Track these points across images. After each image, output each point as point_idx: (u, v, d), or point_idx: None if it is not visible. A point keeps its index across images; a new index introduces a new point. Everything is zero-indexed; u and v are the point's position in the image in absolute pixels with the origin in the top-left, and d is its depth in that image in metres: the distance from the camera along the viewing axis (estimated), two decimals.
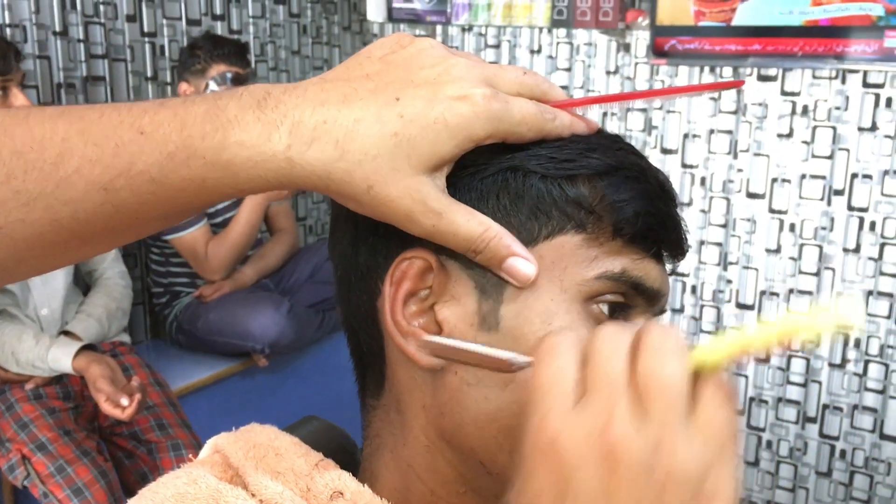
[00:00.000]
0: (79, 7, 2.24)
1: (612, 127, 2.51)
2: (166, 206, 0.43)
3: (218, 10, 2.61)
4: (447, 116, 0.42)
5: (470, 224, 0.44)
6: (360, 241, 0.51)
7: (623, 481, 0.34)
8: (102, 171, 0.41)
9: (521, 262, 0.45)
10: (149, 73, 2.45)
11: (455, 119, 0.42)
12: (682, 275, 2.51)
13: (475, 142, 0.43)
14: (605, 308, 0.47)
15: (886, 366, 2.27)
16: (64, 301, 2.03)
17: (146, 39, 2.42)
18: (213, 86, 2.20)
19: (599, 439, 0.35)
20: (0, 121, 0.42)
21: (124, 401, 1.79)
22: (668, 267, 0.51)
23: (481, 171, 0.47)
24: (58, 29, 2.19)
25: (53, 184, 0.41)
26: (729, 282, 2.44)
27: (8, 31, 2.09)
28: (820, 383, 2.37)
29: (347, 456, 0.58)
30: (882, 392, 2.29)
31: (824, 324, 0.36)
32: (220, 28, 2.60)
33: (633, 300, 0.49)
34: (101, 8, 2.29)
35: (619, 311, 0.48)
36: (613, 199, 0.47)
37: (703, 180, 2.42)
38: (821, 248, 2.30)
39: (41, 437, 1.81)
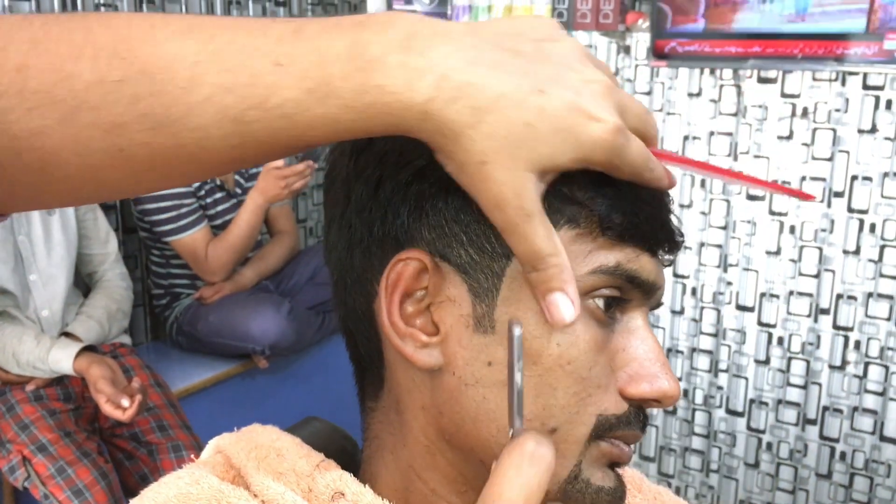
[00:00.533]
0: (80, 7, 2.24)
1: None
2: (293, 142, 0.41)
3: (219, 12, 2.61)
4: (579, 130, 0.41)
5: (545, 241, 0.43)
6: (355, 243, 0.51)
7: None
8: (235, 101, 0.39)
9: (566, 303, 0.44)
10: None
11: (584, 136, 0.41)
12: (683, 277, 2.51)
13: (588, 164, 0.42)
14: (600, 303, 0.48)
15: (886, 368, 2.27)
16: (64, 303, 2.04)
17: None
18: None
19: None
20: (125, 32, 0.38)
21: (125, 402, 1.79)
22: (668, 258, 0.51)
23: None
24: None
25: (182, 109, 0.38)
26: (729, 284, 2.44)
27: None
28: (820, 385, 2.37)
29: (349, 457, 0.58)
30: (882, 394, 2.29)
31: None
32: None
33: (628, 293, 0.49)
34: (103, 9, 2.30)
35: (615, 305, 0.49)
36: (602, 198, 0.47)
37: (703, 182, 2.42)
38: (821, 250, 2.30)
39: (42, 439, 1.81)
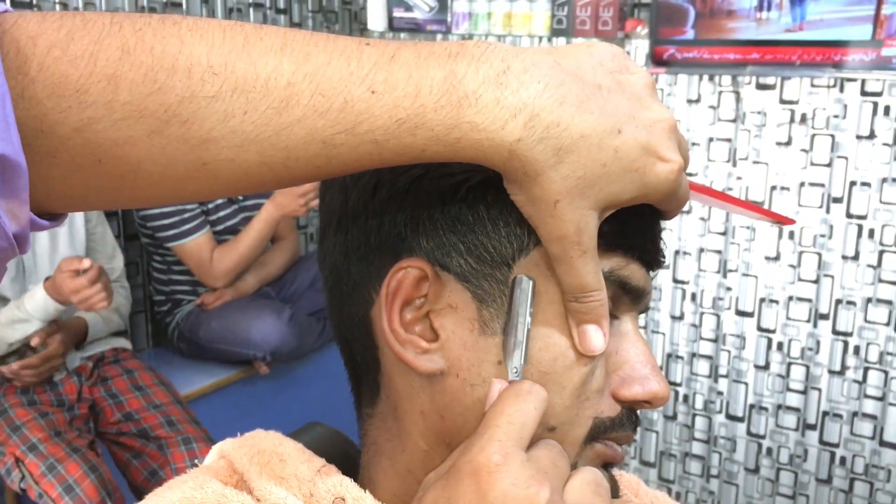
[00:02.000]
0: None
1: None
2: (379, 164, 0.41)
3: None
4: (647, 171, 0.42)
5: (593, 277, 0.45)
6: (352, 251, 0.51)
7: None
8: (326, 125, 0.39)
9: (599, 335, 0.47)
10: None
11: (650, 176, 0.43)
12: (682, 282, 2.52)
13: (648, 200, 0.44)
14: None
15: (886, 373, 2.28)
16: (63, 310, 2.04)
17: None
18: None
19: (524, 493, 0.41)
20: (219, 46, 0.38)
21: (86, 262, 1.79)
22: (652, 274, 0.53)
23: (468, 179, 0.48)
24: None
25: (273, 129, 0.38)
26: (729, 289, 2.45)
27: None
28: (820, 390, 2.38)
29: (351, 462, 0.59)
30: (882, 399, 2.30)
31: None
32: None
33: (619, 299, 0.50)
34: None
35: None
36: None
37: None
38: (820, 255, 2.30)
39: (32, 438, 1.82)
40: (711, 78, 2.35)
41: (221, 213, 2.42)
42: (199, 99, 0.37)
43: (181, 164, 0.38)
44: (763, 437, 2.49)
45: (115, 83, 0.36)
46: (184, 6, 2.52)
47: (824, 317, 2.33)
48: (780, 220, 0.58)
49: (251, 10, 2.72)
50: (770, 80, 2.28)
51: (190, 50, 0.37)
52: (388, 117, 0.39)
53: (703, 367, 2.54)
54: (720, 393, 2.52)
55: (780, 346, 2.41)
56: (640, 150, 0.42)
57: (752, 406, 2.49)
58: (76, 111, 0.36)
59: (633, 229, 0.49)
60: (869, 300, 2.26)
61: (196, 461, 0.52)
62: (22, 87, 0.35)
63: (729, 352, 2.48)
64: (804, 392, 2.40)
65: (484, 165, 0.42)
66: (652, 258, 0.51)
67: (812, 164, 2.27)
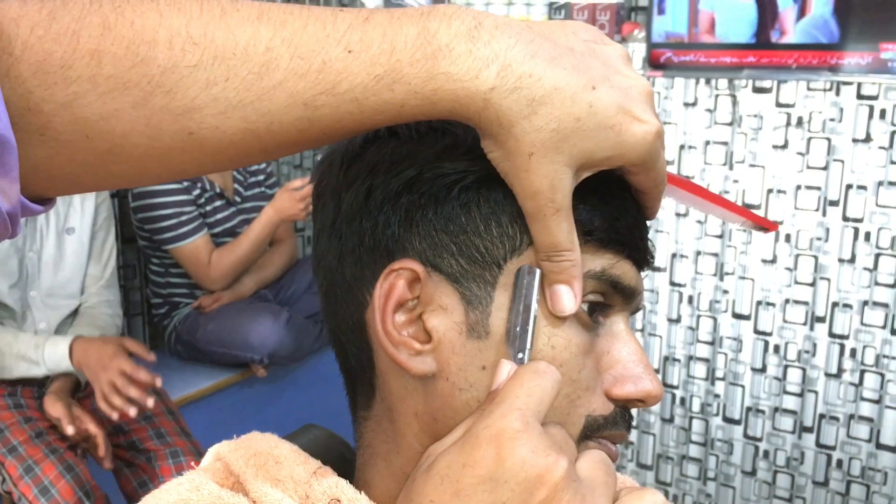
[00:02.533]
0: None
1: None
2: (357, 126, 0.42)
3: None
4: (623, 129, 0.43)
5: (566, 236, 0.45)
6: (346, 253, 0.52)
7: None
8: (306, 87, 0.40)
9: (570, 296, 0.47)
10: None
11: (627, 135, 0.43)
12: (679, 285, 2.52)
13: (624, 163, 0.44)
14: (584, 307, 0.49)
15: (882, 375, 2.28)
16: (62, 318, 2.03)
17: None
18: None
19: (545, 471, 0.41)
20: (197, 17, 0.39)
21: (131, 411, 1.78)
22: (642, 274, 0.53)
23: (461, 179, 0.48)
24: None
25: (255, 94, 0.39)
26: (725, 292, 2.45)
27: None
28: (816, 393, 2.38)
29: (347, 464, 0.59)
30: (878, 402, 2.30)
31: None
32: None
33: (611, 299, 0.50)
34: None
35: (598, 310, 0.50)
36: (585, 206, 0.48)
37: None
38: (816, 258, 2.31)
39: (13, 441, 1.80)
40: (708, 81, 2.36)
41: (219, 216, 2.42)
42: (181, 69, 0.38)
43: (167, 134, 0.39)
44: (760, 439, 2.49)
45: (99, 58, 0.37)
46: None
47: (821, 320, 2.33)
48: (765, 226, 0.58)
49: None
50: (766, 84, 2.28)
51: (169, 22, 0.38)
52: (367, 74, 0.40)
53: (700, 369, 2.54)
54: (717, 396, 2.53)
55: (776, 348, 2.41)
56: (616, 108, 0.42)
57: (748, 409, 2.49)
58: (61, 87, 0.37)
59: (623, 226, 0.50)
60: (865, 303, 2.27)
61: (183, 474, 0.52)
62: (7, 66, 0.36)
63: (726, 354, 2.49)
64: (801, 395, 2.40)
65: (460, 120, 0.42)
66: (642, 256, 0.52)
67: (808, 167, 2.27)
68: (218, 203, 2.42)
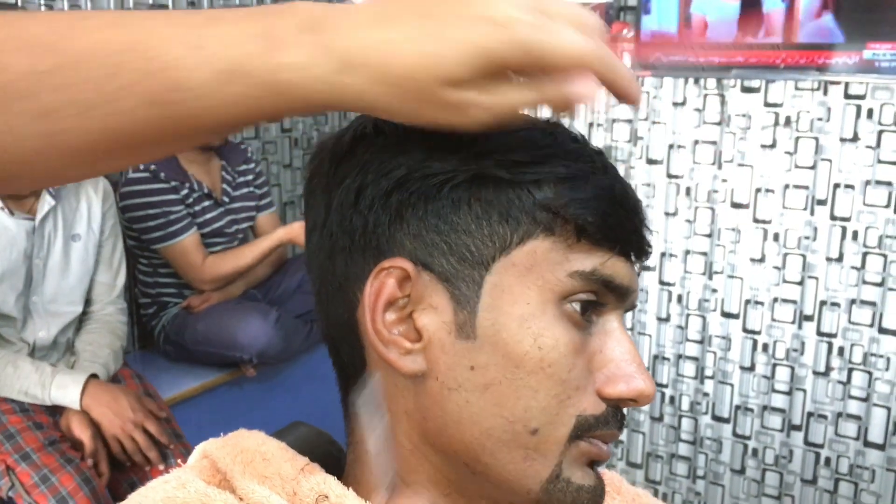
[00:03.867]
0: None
1: (598, 138, 2.53)
2: (215, 120, 0.43)
3: None
4: (475, 37, 0.41)
5: (515, 96, 0.43)
6: (337, 252, 0.52)
7: None
8: (155, 85, 0.41)
9: (580, 84, 0.44)
10: None
11: (484, 39, 0.41)
12: (669, 284, 2.53)
13: (506, 66, 0.42)
14: (577, 307, 0.49)
15: (870, 374, 2.29)
16: (63, 325, 2.02)
17: None
18: None
19: None
20: (54, 25, 0.41)
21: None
22: (638, 265, 0.53)
23: (451, 179, 0.48)
24: None
25: (108, 95, 0.41)
26: (714, 291, 2.46)
27: None
28: (805, 391, 2.39)
29: (334, 461, 0.59)
30: (866, 400, 2.31)
31: None
32: None
33: (604, 297, 0.50)
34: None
35: (590, 309, 0.50)
36: (576, 203, 0.48)
37: (688, 190, 2.44)
38: (804, 257, 2.32)
39: (26, 448, 1.80)
40: (697, 81, 2.37)
41: (207, 216, 2.41)
42: (36, 73, 0.40)
43: (29, 137, 0.41)
44: (749, 438, 2.50)
45: None
46: (170, 6, 2.51)
47: (809, 318, 2.34)
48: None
49: (235, 1, 2.72)
50: (755, 84, 2.29)
51: (29, 32, 0.41)
52: (211, 70, 0.41)
53: (689, 368, 2.55)
54: (706, 394, 2.54)
55: (765, 347, 2.42)
56: (460, 23, 0.41)
57: (737, 407, 2.50)
58: None
59: (615, 222, 0.49)
60: (853, 301, 2.28)
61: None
62: None
63: (715, 353, 2.50)
64: (789, 393, 2.41)
65: (319, 108, 0.43)
66: (636, 249, 0.51)
67: (796, 166, 2.28)
68: (206, 203, 2.41)
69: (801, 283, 2.33)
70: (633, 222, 0.51)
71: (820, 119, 2.23)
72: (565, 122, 0.53)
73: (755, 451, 2.49)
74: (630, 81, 0.45)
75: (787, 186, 2.30)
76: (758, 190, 2.34)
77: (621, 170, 2.42)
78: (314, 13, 0.43)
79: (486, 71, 0.42)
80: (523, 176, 0.48)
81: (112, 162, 0.45)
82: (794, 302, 2.35)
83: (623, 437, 2.69)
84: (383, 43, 0.41)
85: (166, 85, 0.41)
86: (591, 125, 2.54)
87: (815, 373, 2.36)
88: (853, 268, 2.26)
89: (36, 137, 0.41)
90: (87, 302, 2.09)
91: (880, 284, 2.23)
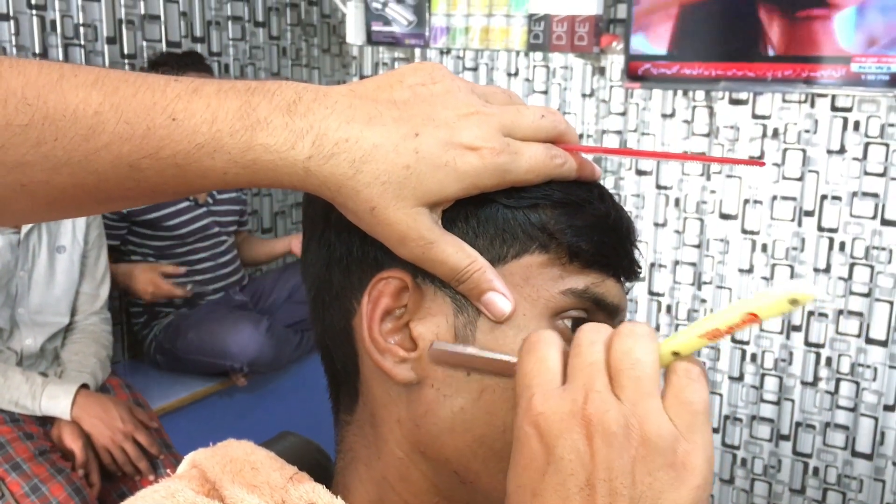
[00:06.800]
0: (59, 29, 2.25)
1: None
2: (185, 187, 0.44)
3: (198, 33, 2.62)
4: (457, 163, 0.44)
5: (458, 256, 0.47)
6: (334, 262, 0.52)
7: (600, 447, 0.39)
8: (131, 150, 0.42)
9: (500, 298, 0.48)
10: None
11: (463, 167, 0.44)
12: (658, 294, 2.54)
13: (480, 189, 0.46)
14: (568, 323, 0.50)
15: (857, 384, 2.31)
16: (50, 335, 2.01)
17: (126, 61, 2.43)
18: None
19: (580, 412, 0.40)
20: (34, 80, 0.42)
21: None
22: (628, 285, 0.54)
23: None
24: (37, 50, 2.20)
25: (82, 154, 0.42)
26: (703, 301, 2.48)
27: None
28: (793, 401, 2.40)
29: (322, 470, 0.59)
30: (853, 410, 2.33)
31: (779, 298, 0.40)
32: (200, 50, 2.61)
33: (594, 315, 0.51)
34: (82, 30, 2.31)
35: (580, 325, 0.51)
36: (570, 229, 0.49)
37: (677, 201, 2.46)
38: (792, 267, 2.33)
39: (17, 458, 1.79)
40: (685, 93, 2.39)
41: (187, 216, 2.40)
42: (13, 127, 0.41)
43: (2, 185, 0.42)
44: (737, 447, 2.51)
45: None
46: (162, 19, 2.52)
47: (797, 328, 2.36)
48: (747, 163, 0.58)
49: (230, 22, 2.73)
50: (743, 96, 2.31)
51: (7, 84, 0.41)
52: (188, 142, 0.42)
53: None
54: None
55: (753, 357, 2.43)
56: (443, 146, 0.44)
57: (726, 417, 2.51)
58: None
59: (609, 248, 0.51)
60: (840, 312, 2.29)
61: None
62: None
63: (703, 363, 2.50)
64: (777, 403, 2.43)
65: (287, 188, 0.45)
66: (627, 272, 0.53)
67: (784, 177, 2.30)
68: (184, 204, 2.40)
69: None
70: (625, 248, 0.52)
71: (807, 131, 2.25)
72: None
73: (744, 461, 2.50)
74: (588, 170, 0.51)
75: (774, 198, 2.32)
76: (746, 201, 2.36)
77: (610, 180, 2.44)
78: (294, 96, 0.44)
79: (459, 196, 0.45)
80: (520, 201, 0.50)
81: (78, 212, 0.46)
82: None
83: None
84: (364, 140, 0.43)
85: (142, 151, 0.42)
86: (580, 136, 2.55)
87: (804, 383, 2.38)
88: (840, 278, 2.27)
89: (8, 186, 0.42)
90: (72, 312, 2.09)
91: (867, 295, 2.25)
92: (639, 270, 0.54)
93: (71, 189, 0.43)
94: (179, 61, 2.29)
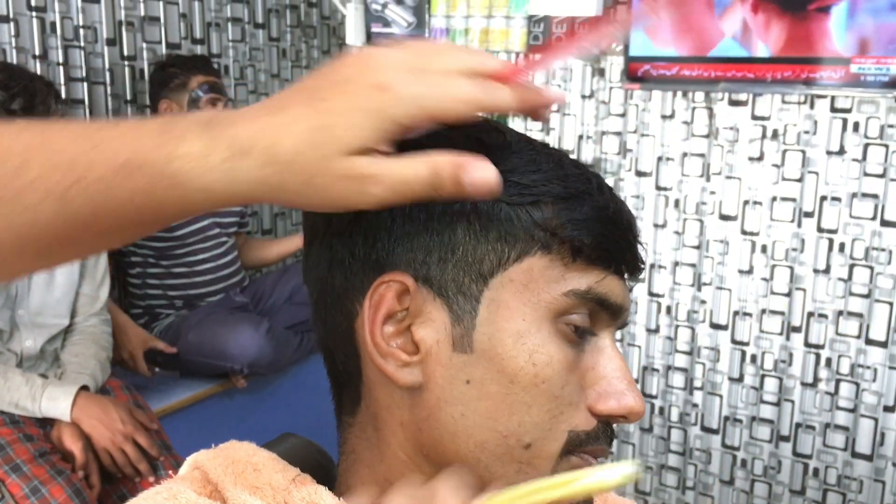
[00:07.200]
0: (58, 31, 2.25)
1: (588, 150, 2.55)
2: (118, 217, 0.44)
3: (198, 34, 2.63)
4: (361, 103, 0.43)
5: (415, 167, 0.44)
6: (336, 264, 0.52)
7: None
8: (59, 181, 0.43)
9: (478, 169, 0.44)
10: (128, 96, 2.46)
11: (373, 104, 0.42)
12: (658, 296, 2.54)
13: (398, 124, 0.43)
14: (571, 327, 0.50)
15: (857, 385, 2.31)
16: (50, 336, 2.01)
17: (126, 63, 2.43)
18: (199, 93, 2.24)
19: None
20: None
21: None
22: (631, 283, 0.54)
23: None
24: (37, 52, 2.20)
25: (13, 191, 0.43)
26: (703, 302, 2.48)
27: None
28: (793, 402, 2.40)
29: (324, 471, 0.59)
30: (853, 411, 2.33)
31: (604, 480, 0.40)
32: (200, 52, 2.61)
33: (597, 315, 0.51)
34: (81, 32, 2.31)
35: (584, 327, 0.51)
36: (572, 224, 0.49)
37: (676, 202, 2.46)
38: (792, 269, 2.34)
39: (17, 460, 1.79)
40: (685, 94, 2.39)
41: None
42: None
43: None
44: (737, 448, 2.51)
45: None
46: (161, 20, 2.52)
47: (797, 329, 2.36)
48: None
49: (229, 24, 2.73)
50: (742, 97, 2.31)
51: None
52: (111, 162, 0.43)
53: (678, 379, 2.56)
54: (695, 405, 2.55)
55: (753, 358, 2.43)
56: (345, 95, 0.43)
57: (726, 418, 2.51)
58: None
59: (611, 241, 0.51)
60: (840, 313, 2.29)
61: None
62: None
63: (704, 364, 2.51)
64: (777, 404, 2.43)
65: (223, 200, 0.44)
66: (630, 266, 0.53)
67: (784, 179, 2.30)
68: None
69: (788, 294, 2.35)
70: (627, 241, 0.52)
71: (807, 132, 2.25)
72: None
73: (744, 462, 2.50)
74: (534, 95, 0.46)
75: (774, 199, 2.32)
76: (746, 202, 2.36)
77: (610, 181, 2.44)
78: (211, 115, 0.45)
79: (380, 134, 0.43)
80: (522, 197, 0.49)
81: (18, 265, 0.47)
82: (781, 313, 2.37)
83: (613, 448, 2.69)
84: (272, 126, 0.43)
85: (68, 180, 0.43)
86: (580, 137, 2.55)
87: (803, 384, 2.38)
88: (840, 279, 2.27)
89: None
90: (71, 314, 2.09)
91: (867, 296, 2.25)
92: (642, 265, 0.54)
93: (6, 232, 0.44)
94: (187, 64, 2.29)
